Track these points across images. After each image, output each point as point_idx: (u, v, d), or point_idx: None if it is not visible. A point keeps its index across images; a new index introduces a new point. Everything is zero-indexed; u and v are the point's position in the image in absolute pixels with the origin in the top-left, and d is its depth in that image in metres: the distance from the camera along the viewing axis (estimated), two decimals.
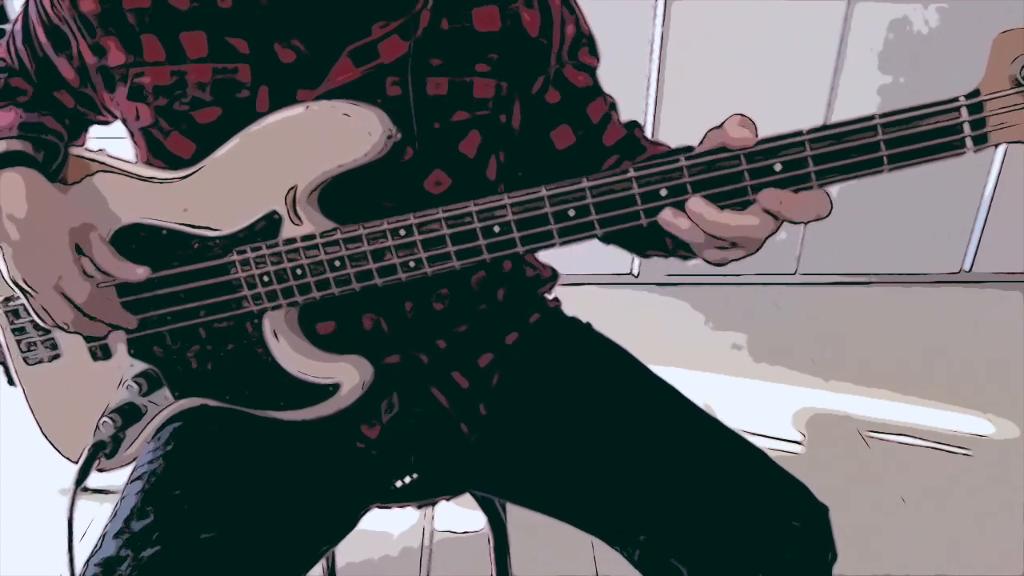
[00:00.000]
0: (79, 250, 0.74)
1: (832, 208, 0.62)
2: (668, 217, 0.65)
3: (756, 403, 1.99)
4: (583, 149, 0.85)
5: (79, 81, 0.80)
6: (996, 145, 0.60)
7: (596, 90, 0.86)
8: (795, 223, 0.64)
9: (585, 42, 0.85)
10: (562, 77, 0.83)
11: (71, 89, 0.81)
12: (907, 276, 2.57)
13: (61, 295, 0.73)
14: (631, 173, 0.66)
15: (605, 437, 0.83)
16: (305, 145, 0.72)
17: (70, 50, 0.78)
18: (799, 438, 1.86)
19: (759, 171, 0.63)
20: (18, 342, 0.83)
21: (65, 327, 0.76)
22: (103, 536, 0.72)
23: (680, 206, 0.65)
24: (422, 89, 0.76)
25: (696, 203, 0.64)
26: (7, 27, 0.87)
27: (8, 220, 0.71)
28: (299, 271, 0.74)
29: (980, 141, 0.59)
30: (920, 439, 1.85)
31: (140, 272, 0.75)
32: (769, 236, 0.65)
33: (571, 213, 0.68)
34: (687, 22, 2.24)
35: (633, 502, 0.80)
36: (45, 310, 0.74)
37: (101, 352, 0.81)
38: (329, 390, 0.78)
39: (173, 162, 0.76)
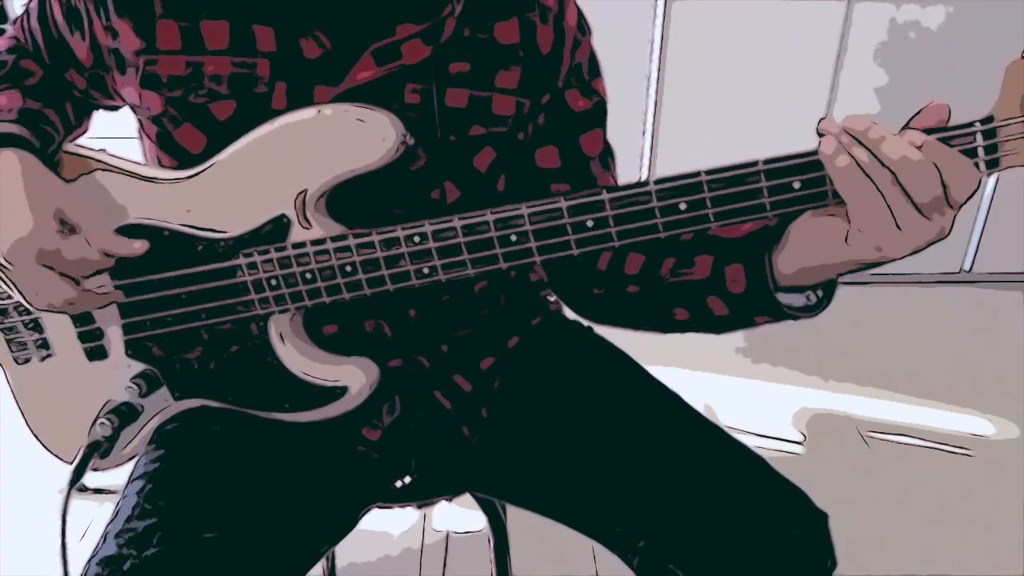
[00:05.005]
0: (69, 228, 0.71)
1: (977, 188, 0.60)
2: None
3: (756, 403, 1.99)
4: (573, 178, 0.82)
5: (92, 61, 0.78)
6: (1006, 169, 0.61)
7: (596, 122, 0.84)
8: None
9: (598, 72, 0.84)
10: (561, 98, 0.82)
11: (83, 69, 0.80)
12: (907, 276, 2.57)
13: (46, 268, 0.70)
14: (651, 186, 0.66)
15: (606, 442, 0.83)
16: (317, 149, 0.72)
17: (83, 29, 0.76)
18: (799, 438, 1.86)
19: (778, 188, 0.63)
20: (8, 341, 0.82)
21: (53, 307, 0.72)
22: (104, 535, 0.72)
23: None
24: (442, 99, 0.75)
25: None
26: (7, 27, 0.86)
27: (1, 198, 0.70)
28: (308, 275, 0.73)
29: (992, 165, 0.60)
30: (920, 439, 1.85)
31: (137, 246, 0.74)
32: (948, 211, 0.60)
33: (589, 224, 0.67)
34: (687, 22, 2.24)
35: (633, 508, 0.79)
36: (34, 289, 0.71)
37: (96, 352, 0.81)
38: (336, 392, 0.78)
39: (181, 155, 0.76)
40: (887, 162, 0.58)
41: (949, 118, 0.60)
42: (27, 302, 0.73)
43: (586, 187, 0.75)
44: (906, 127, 0.61)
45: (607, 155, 0.86)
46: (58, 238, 0.70)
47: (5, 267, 0.71)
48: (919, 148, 0.58)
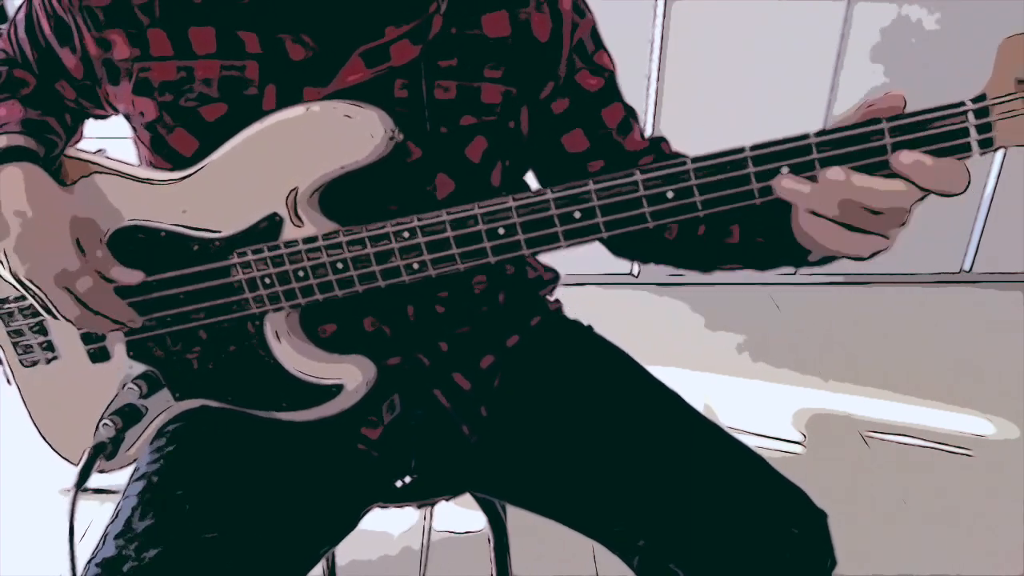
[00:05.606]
0: (80, 246, 0.73)
1: (968, 185, 0.59)
2: (790, 185, 0.61)
3: (756, 403, 1.99)
4: (603, 153, 0.84)
5: (82, 72, 0.79)
6: (1000, 148, 0.60)
7: (612, 95, 0.85)
8: (934, 193, 0.59)
9: (601, 45, 0.84)
10: (573, 82, 0.82)
11: (73, 81, 0.80)
12: (907, 276, 2.57)
13: (64, 290, 0.72)
14: (637, 176, 0.66)
15: (605, 441, 0.83)
16: (306, 146, 0.72)
17: (73, 42, 0.77)
18: (799, 438, 1.86)
19: (766, 174, 0.63)
20: (14, 344, 0.83)
21: (72, 323, 0.74)
22: (104, 536, 0.73)
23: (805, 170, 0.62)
24: (431, 92, 0.76)
25: (836, 172, 0.59)
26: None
27: (10, 215, 0.70)
28: (301, 273, 0.74)
29: (986, 145, 0.59)
30: (920, 439, 1.85)
31: (135, 276, 0.75)
32: (912, 206, 0.60)
33: (576, 215, 0.67)
34: (687, 22, 2.24)
35: (633, 507, 0.80)
36: (52, 305, 0.73)
37: (99, 354, 0.81)
38: (332, 391, 0.78)
39: (174, 158, 0.76)
40: (875, 207, 0.59)
41: (904, 107, 0.60)
42: (57, 316, 0.74)
43: (619, 159, 0.84)
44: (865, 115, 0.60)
45: (629, 117, 0.86)
46: (77, 261, 0.71)
47: (31, 289, 0.72)
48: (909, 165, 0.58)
